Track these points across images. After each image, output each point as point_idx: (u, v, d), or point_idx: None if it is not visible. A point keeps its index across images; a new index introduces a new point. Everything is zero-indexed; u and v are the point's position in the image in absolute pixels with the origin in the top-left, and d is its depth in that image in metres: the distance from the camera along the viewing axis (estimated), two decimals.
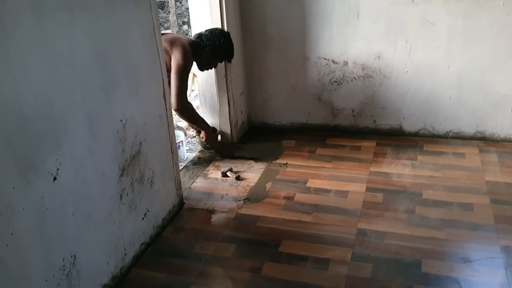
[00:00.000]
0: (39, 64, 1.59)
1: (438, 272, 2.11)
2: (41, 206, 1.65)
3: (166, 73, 2.47)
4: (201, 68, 3.23)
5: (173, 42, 3.00)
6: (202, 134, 3.34)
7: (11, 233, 1.52)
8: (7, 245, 1.51)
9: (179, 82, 2.96)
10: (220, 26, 3.26)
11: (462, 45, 3.20)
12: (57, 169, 1.71)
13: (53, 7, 1.63)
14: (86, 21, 1.82)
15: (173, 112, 2.97)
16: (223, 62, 3.29)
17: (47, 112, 1.65)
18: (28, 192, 1.58)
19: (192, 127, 3.64)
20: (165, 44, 2.98)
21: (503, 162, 3.10)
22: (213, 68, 3.32)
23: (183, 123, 4.38)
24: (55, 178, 1.70)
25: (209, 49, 3.10)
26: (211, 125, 3.38)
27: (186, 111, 3.07)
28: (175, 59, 2.97)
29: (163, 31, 3.11)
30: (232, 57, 3.23)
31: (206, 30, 3.16)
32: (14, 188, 1.52)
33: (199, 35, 3.14)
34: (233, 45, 3.19)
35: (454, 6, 3.11)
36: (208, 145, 3.43)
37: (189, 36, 3.43)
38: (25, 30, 1.52)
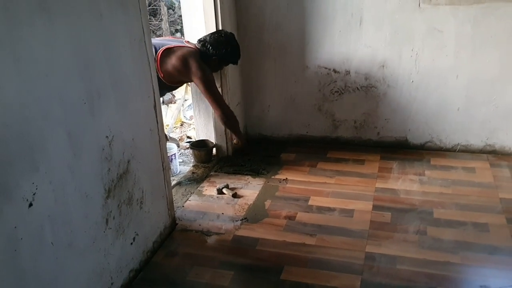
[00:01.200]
0: (12, 74, 1.40)
1: None
2: (14, 236, 1.45)
3: (157, 83, 2.28)
4: None
5: (184, 60, 2.85)
6: (236, 140, 3.37)
7: None
8: None
9: (212, 96, 2.95)
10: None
11: (471, 53, 3.04)
12: (33, 194, 1.51)
13: (28, 10, 1.44)
14: (68, 27, 1.63)
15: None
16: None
17: (21, 130, 1.45)
18: None
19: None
20: (177, 64, 2.85)
21: None
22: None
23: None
24: (31, 204, 1.50)
25: (216, 58, 2.97)
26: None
27: (232, 120, 3.08)
28: (196, 77, 2.88)
29: (168, 45, 2.91)
30: (239, 58, 3.10)
31: (209, 36, 2.97)
32: None
33: (203, 43, 2.96)
34: (239, 47, 3.06)
35: (463, 12, 2.95)
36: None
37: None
38: None
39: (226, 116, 3.02)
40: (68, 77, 1.65)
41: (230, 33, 3.03)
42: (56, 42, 1.58)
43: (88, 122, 1.78)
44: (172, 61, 2.86)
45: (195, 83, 2.96)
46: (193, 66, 2.86)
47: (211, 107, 3.29)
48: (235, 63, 3.10)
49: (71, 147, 1.68)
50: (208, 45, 2.95)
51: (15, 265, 1.46)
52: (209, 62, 2.98)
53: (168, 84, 2.96)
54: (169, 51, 2.88)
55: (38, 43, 1.50)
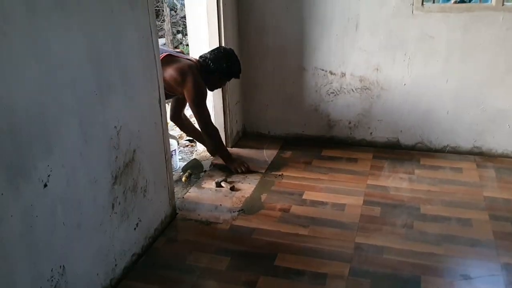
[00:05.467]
0: (32, 65, 1.54)
1: None
2: (30, 213, 1.58)
3: (162, 79, 2.42)
4: (211, 89, 3.19)
5: (183, 73, 2.94)
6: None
7: None
8: None
9: (199, 112, 3.05)
10: (218, 35, 3.23)
11: (461, 59, 3.18)
12: (48, 175, 1.64)
13: (47, 6, 1.58)
14: (82, 22, 1.77)
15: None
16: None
17: (39, 115, 1.59)
18: (17, 199, 1.52)
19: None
20: (174, 74, 2.94)
21: (500, 177, 3.07)
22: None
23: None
24: (45, 185, 1.63)
25: (217, 74, 3.07)
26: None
27: (215, 139, 3.18)
28: (188, 91, 2.97)
29: (170, 52, 3.05)
30: (240, 72, 3.18)
31: (209, 53, 3.09)
32: (2, 194, 1.45)
33: (204, 59, 3.08)
34: (239, 63, 3.15)
35: (453, 19, 3.10)
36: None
37: (182, 43, 3.38)
38: (18, 29, 1.46)
39: (208, 133, 3.14)
40: (81, 69, 1.78)
41: (230, 48, 3.15)
42: (71, 36, 1.71)
43: (99, 112, 1.91)
44: (171, 70, 2.94)
45: (186, 96, 3.01)
46: (189, 80, 2.94)
47: (211, 105, 3.43)
48: (237, 76, 3.18)
49: (83, 134, 1.82)
50: (209, 61, 3.05)
51: (31, 240, 1.59)
52: (210, 78, 3.07)
53: None
54: (171, 58, 2.98)
55: (55, 36, 1.63)
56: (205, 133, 3.17)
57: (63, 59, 1.68)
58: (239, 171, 3.21)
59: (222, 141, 3.27)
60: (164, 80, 2.95)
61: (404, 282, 2.11)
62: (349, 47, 3.38)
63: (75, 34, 1.73)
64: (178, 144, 3.75)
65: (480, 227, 2.52)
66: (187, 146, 4.00)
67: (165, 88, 3.00)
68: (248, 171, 3.22)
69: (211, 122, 3.18)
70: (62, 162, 1.71)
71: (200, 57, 3.13)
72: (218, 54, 3.08)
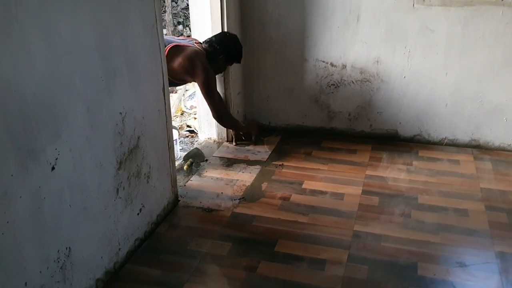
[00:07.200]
0: (42, 50, 1.57)
1: (434, 275, 2.11)
2: (38, 195, 1.62)
3: (166, 67, 2.45)
4: (215, 72, 3.25)
5: (191, 60, 3.03)
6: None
7: (7, 222, 1.49)
8: (2, 234, 1.47)
9: (210, 97, 3.14)
10: (220, 26, 3.26)
11: (460, 52, 3.22)
12: (56, 159, 1.68)
13: None
14: (90, 10, 1.80)
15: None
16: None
17: (48, 100, 1.62)
18: (26, 181, 1.55)
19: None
20: (183, 62, 3.03)
21: (497, 170, 3.12)
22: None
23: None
24: (53, 168, 1.67)
25: (223, 57, 3.17)
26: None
27: (227, 121, 3.35)
28: (198, 79, 3.08)
29: (177, 43, 3.12)
30: (241, 57, 3.31)
31: (214, 37, 3.19)
32: (12, 175, 1.49)
33: (210, 43, 3.16)
34: (242, 47, 3.27)
35: (453, 13, 3.13)
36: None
37: (183, 34, 3.46)
38: (29, 14, 1.49)
39: (219, 117, 3.25)
40: (89, 55, 1.82)
41: (234, 34, 3.25)
42: (79, 23, 1.74)
43: (105, 98, 1.95)
44: (179, 59, 3.03)
45: (197, 83, 3.15)
46: (198, 67, 3.04)
47: None
48: (239, 61, 3.32)
49: (89, 119, 1.85)
50: (215, 44, 3.14)
51: (38, 221, 1.63)
52: (216, 61, 3.16)
53: (170, 79, 3.11)
54: (177, 49, 3.05)
55: (65, 22, 1.67)
56: (218, 118, 3.25)
57: (72, 46, 1.71)
58: (252, 138, 3.53)
59: (237, 120, 3.42)
60: (173, 69, 3.02)
61: (401, 268, 2.16)
62: (350, 39, 3.40)
63: (84, 21, 1.77)
64: (178, 134, 3.79)
65: (476, 217, 2.57)
66: (188, 136, 4.04)
67: (173, 77, 3.06)
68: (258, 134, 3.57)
69: (224, 105, 3.32)
70: (69, 146, 1.75)
71: (205, 41, 3.20)
72: (223, 37, 3.18)
